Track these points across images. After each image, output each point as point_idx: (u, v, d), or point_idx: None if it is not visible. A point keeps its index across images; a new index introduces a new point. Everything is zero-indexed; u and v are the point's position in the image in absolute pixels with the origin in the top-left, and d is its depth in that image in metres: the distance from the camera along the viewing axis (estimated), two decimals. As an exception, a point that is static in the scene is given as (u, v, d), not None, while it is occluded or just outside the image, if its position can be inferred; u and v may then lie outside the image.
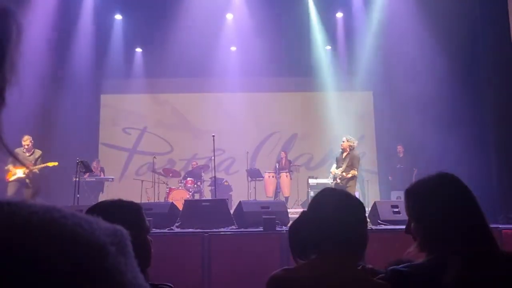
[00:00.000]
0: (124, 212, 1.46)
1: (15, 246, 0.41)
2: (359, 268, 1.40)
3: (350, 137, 7.87)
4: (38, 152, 7.64)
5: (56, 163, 7.69)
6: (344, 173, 7.60)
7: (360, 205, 1.46)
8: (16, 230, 0.42)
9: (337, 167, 7.79)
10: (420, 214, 1.37)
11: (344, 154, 7.75)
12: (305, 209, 1.45)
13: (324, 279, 1.28)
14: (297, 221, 1.42)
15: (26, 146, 7.47)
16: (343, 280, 1.29)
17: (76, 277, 0.42)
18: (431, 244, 1.32)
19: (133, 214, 1.49)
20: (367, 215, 5.90)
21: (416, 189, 1.42)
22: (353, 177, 7.58)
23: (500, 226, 4.96)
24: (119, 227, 0.50)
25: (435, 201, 1.34)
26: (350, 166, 7.57)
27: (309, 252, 1.38)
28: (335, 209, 1.38)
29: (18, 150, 7.48)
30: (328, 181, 9.50)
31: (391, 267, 1.30)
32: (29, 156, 7.50)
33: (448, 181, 1.38)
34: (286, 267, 1.39)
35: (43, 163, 7.59)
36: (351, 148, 7.69)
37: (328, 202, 1.42)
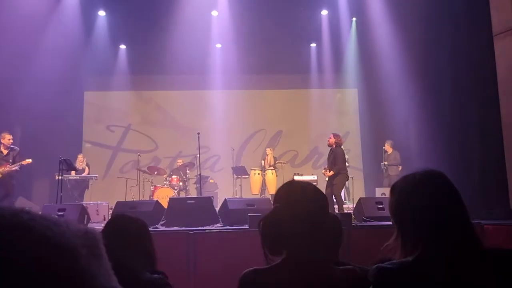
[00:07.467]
0: (137, 227, 1.90)
1: None
2: (332, 264, 1.40)
3: (338, 134, 7.82)
4: (15, 150, 7.46)
5: (29, 161, 7.50)
6: (325, 170, 7.60)
7: (321, 193, 1.47)
8: None
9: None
10: (404, 209, 1.37)
11: (329, 151, 7.71)
12: (278, 205, 1.44)
13: (294, 284, 1.31)
14: (268, 217, 1.41)
15: (5, 144, 7.30)
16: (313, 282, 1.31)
17: (46, 279, 0.41)
18: (413, 240, 1.32)
19: (144, 227, 1.95)
20: (351, 212, 5.95)
21: (402, 185, 1.41)
22: (338, 174, 7.44)
23: (482, 221, 5.02)
24: (91, 229, 0.49)
25: (420, 196, 1.34)
26: (333, 163, 7.49)
27: (281, 248, 1.38)
28: (303, 202, 1.39)
29: None
30: (313, 177, 9.54)
31: (376, 265, 1.30)
32: (6, 155, 7.32)
33: (434, 177, 1.38)
34: (257, 267, 1.38)
35: (20, 161, 7.42)
36: (337, 145, 7.62)
37: (293, 195, 1.43)
